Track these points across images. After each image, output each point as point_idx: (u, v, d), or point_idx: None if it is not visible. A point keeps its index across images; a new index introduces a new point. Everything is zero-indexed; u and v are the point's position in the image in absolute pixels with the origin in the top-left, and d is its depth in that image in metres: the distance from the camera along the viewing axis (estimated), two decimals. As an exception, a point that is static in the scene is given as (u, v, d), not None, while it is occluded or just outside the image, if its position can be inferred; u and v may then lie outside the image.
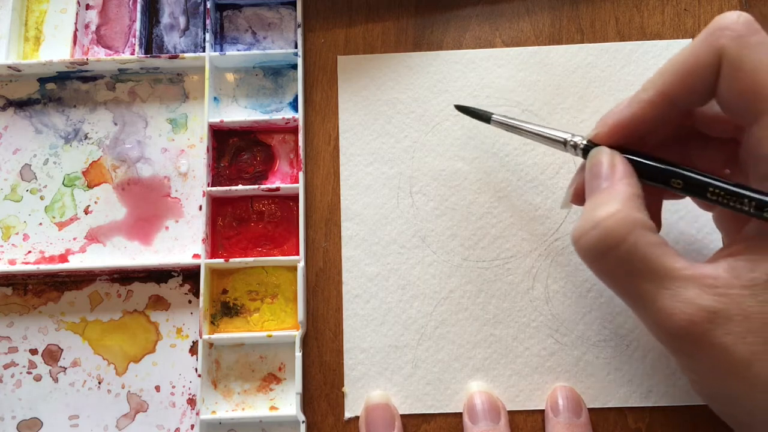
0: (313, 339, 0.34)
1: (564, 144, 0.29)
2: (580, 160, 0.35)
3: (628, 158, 0.27)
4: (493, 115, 0.32)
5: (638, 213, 0.25)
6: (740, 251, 0.24)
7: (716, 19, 0.25)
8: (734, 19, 0.24)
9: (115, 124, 0.37)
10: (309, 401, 0.33)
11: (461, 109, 0.34)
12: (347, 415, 0.33)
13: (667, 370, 0.32)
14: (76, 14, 0.38)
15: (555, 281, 0.34)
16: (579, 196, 0.29)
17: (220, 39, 0.38)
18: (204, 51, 0.37)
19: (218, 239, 0.35)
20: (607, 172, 0.26)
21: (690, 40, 0.37)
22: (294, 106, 0.37)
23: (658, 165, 0.26)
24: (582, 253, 0.26)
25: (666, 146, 0.28)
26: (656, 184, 0.26)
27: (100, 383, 0.34)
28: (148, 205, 0.36)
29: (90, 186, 0.36)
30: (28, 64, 0.36)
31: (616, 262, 0.25)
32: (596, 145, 0.28)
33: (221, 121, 0.36)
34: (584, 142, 0.28)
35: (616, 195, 0.25)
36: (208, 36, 0.37)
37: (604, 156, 0.27)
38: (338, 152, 0.36)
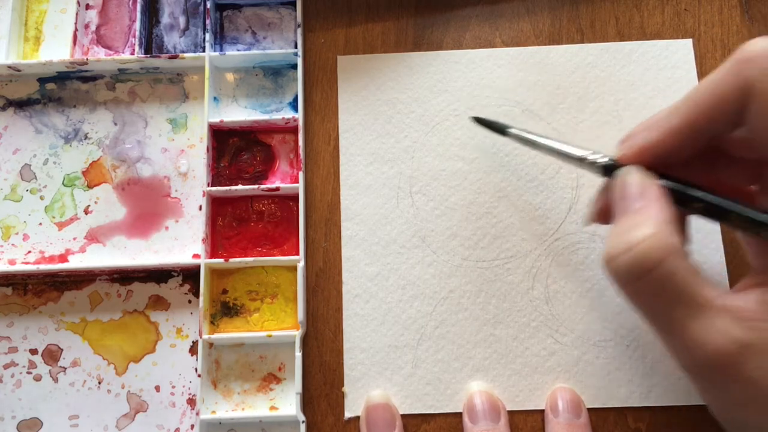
0: (313, 339, 0.34)
1: (581, 161, 0.29)
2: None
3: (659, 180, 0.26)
4: (509, 129, 0.32)
5: (674, 237, 0.24)
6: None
7: (742, 48, 0.24)
8: (762, 49, 0.24)
9: (115, 124, 0.37)
10: (309, 401, 0.33)
11: (478, 121, 0.34)
12: (347, 415, 0.33)
13: (667, 370, 0.32)
14: (76, 14, 0.38)
15: (555, 281, 0.34)
16: (603, 215, 0.29)
17: (220, 39, 0.38)
18: (204, 51, 0.37)
19: (218, 239, 0.35)
20: (640, 193, 0.25)
21: (690, 40, 0.37)
22: (294, 106, 0.37)
23: (684, 190, 0.26)
24: (614, 276, 0.25)
25: (690, 163, 0.27)
26: (679, 206, 0.26)
27: (100, 383, 0.34)
28: (148, 205, 0.36)
29: (90, 186, 0.36)
30: (28, 64, 0.36)
31: (650, 287, 0.24)
32: (617, 164, 0.27)
33: (221, 121, 0.36)
34: (605, 161, 0.28)
35: (651, 217, 0.24)
36: (208, 36, 0.37)
37: (636, 176, 0.26)
38: (338, 152, 0.36)
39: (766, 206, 0.25)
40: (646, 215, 0.25)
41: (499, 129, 0.33)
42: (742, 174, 0.28)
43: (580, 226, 0.34)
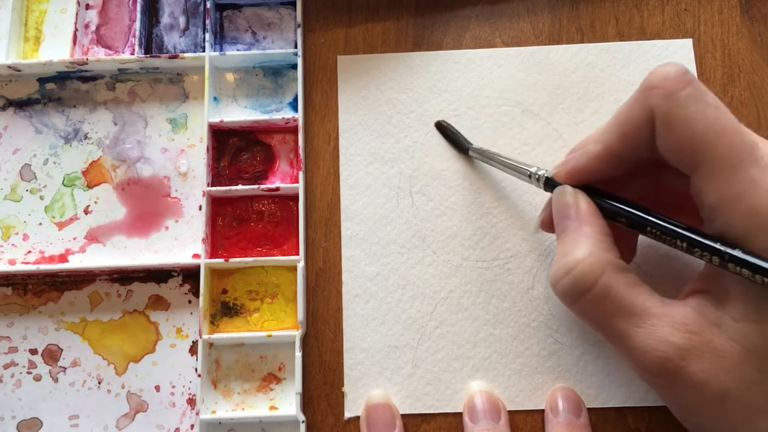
0: (313, 339, 0.34)
1: (529, 177, 0.30)
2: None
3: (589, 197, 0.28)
4: (470, 147, 0.34)
5: (608, 254, 0.26)
6: (704, 288, 0.25)
7: (649, 75, 0.25)
8: (664, 75, 0.25)
9: (115, 124, 0.37)
10: (309, 401, 0.33)
11: (441, 128, 0.36)
12: (347, 415, 0.33)
13: (667, 370, 0.32)
14: (76, 14, 0.38)
15: (555, 281, 0.34)
16: (547, 225, 0.30)
17: (220, 39, 0.38)
18: (204, 51, 0.37)
19: (218, 239, 0.35)
20: (573, 212, 0.27)
21: (690, 40, 0.37)
22: (294, 106, 0.37)
23: (606, 205, 0.27)
24: (560, 297, 0.27)
25: (635, 170, 0.28)
26: (608, 220, 0.27)
27: (100, 383, 0.34)
28: (148, 205, 0.36)
29: (90, 186, 0.36)
30: (28, 64, 0.36)
31: (591, 304, 0.26)
32: (556, 182, 0.29)
33: (221, 121, 0.36)
34: (546, 175, 0.29)
35: (585, 238, 0.26)
36: (208, 36, 0.37)
37: (568, 195, 0.28)
38: (338, 152, 0.36)
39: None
40: (581, 236, 0.26)
41: (460, 146, 0.35)
42: (680, 178, 0.28)
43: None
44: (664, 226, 0.25)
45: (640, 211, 0.26)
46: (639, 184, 0.29)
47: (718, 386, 0.23)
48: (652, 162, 0.27)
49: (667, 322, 0.24)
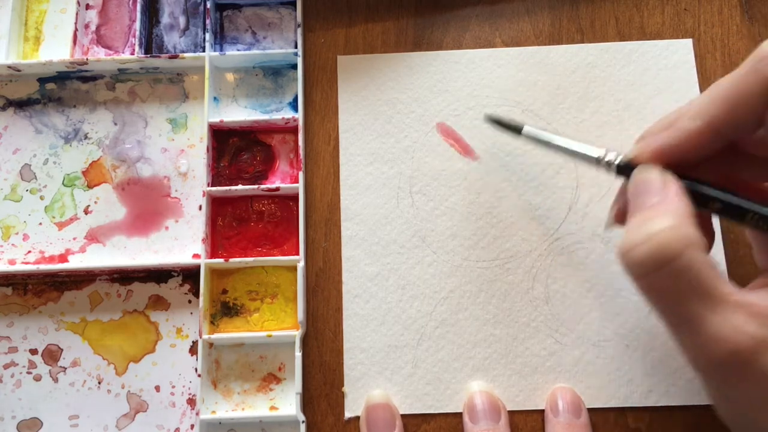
0: (313, 339, 0.34)
1: (597, 161, 0.28)
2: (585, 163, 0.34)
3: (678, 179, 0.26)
4: (524, 127, 0.32)
5: (693, 230, 0.23)
6: None
7: (762, 46, 0.24)
8: None
9: (115, 124, 0.37)
10: (309, 401, 0.33)
11: (492, 120, 0.34)
12: (347, 415, 0.33)
13: (667, 370, 0.32)
14: (76, 14, 0.38)
15: (555, 281, 0.34)
16: (623, 216, 0.28)
17: (220, 39, 0.38)
18: (204, 51, 0.37)
19: (218, 239, 0.35)
20: (659, 189, 0.25)
21: (690, 40, 0.37)
22: (294, 106, 0.37)
23: (702, 190, 0.26)
24: (631, 267, 0.24)
25: (707, 161, 0.27)
26: (696, 206, 0.26)
27: (100, 383, 0.33)
28: (148, 205, 0.36)
29: (90, 186, 0.36)
30: (28, 64, 0.36)
31: (667, 279, 0.23)
32: (633, 164, 0.27)
33: (221, 121, 0.36)
34: (620, 160, 0.28)
35: (671, 210, 0.24)
36: (208, 36, 0.37)
37: (655, 174, 0.26)
38: (338, 152, 0.36)
39: None
40: (664, 208, 0.24)
41: (513, 128, 0.32)
42: (758, 172, 0.27)
43: (580, 225, 0.34)
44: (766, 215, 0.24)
45: (740, 197, 0.25)
46: (705, 174, 0.27)
47: None
48: (730, 150, 0.26)
49: (746, 311, 0.23)
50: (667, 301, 0.24)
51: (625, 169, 0.27)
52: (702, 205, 0.25)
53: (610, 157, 0.28)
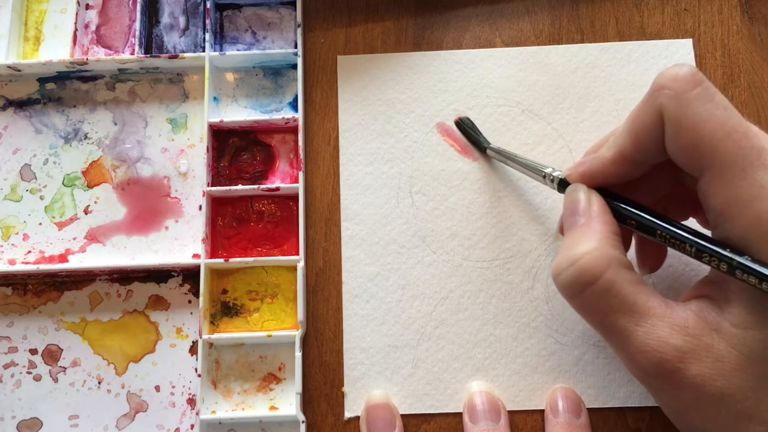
0: (313, 339, 0.34)
1: (544, 177, 0.30)
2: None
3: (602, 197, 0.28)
4: (489, 146, 0.34)
5: (614, 251, 0.25)
6: (708, 293, 0.25)
7: (659, 75, 0.25)
8: (673, 75, 0.25)
9: (115, 124, 0.37)
10: (309, 401, 0.33)
11: (460, 126, 0.36)
12: (347, 415, 0.33)
13: (667, 370, 0.32)
14: (76, 14, 0.38)
15: (555, 281, 0.34)
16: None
17: (220, 39, 0.38)
18: (204, 51, 0.37)
19: (218, 239, 0.35)
20: (584, 209, 0.27)
21: (690, 40, 0.37)
22: (294, 106, 0.37)
23: (617, 207, 0.27)
24: (560, 290, 0.26)
25: (652, 172, 0.28)
26: (619, 222, 0.27)
27: (100, 383, 0.34)
28: (148, 205, 0.36)
29: (90, 186, 0.36)
30: (28, 64, 0.36)
31: (593, 299, 0.25)
32: (569, 184, 0.29)
33: (221, 121, 0.36)
34: (560, 176, 0.29)
35: (593, 233, 0.26)
36: (207, 36, 0.37)
37: (582, 193, 0.28)
38: (338, 152, 0.36)
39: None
40: (588, 230, 0.26)
41: (478, 144, 0.35)
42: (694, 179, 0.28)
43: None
44: (674, 231, 0.25)
45: (650, 215, 0.26)
46: (654, 185, 0.29)
47: (715, 390, 0.23)
48: (667, 164, 0.27)
49: (668, 324, 0.24)
50: (596, 318, 0.26)
51: (563, 185, 0.29)
52: (622, 221, 0.27)
53: (553, 174, 0.30)
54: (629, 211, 0.27)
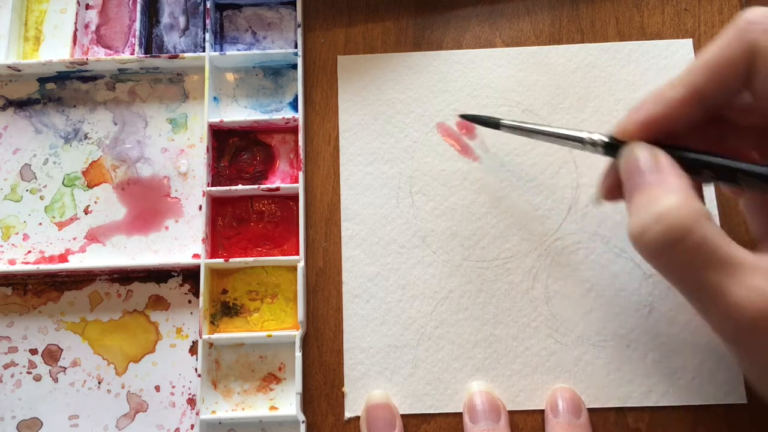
0: (313, 339, 0.34)
1: (581, 143, 0.29)
2: (581, 159, 0.35)
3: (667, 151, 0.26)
4: (501, 121, 0.32)
5: (699, 203, 0.24)
6: None
7: (743, 14, 0.24)
8: (764, 12, 0.24)
9: (115, 124, 0.37)
10: (309, 401, 0.33)
11: (468, 117, 0.34)
12: (347, 415, 0.33)
13: (667, 370, 0.32)
14: (76, 14, 0.38)
15: (555, 281, 0.34)
16: (612, 192, 0.29)
17: (220, 39, 0.38)
18: (204, 51, 0.37)
19: (218, 239, 0.35)
20: (652, 167, 0.25)
21: (690, 40, 0.37)
22: (294, 106, 0.37)
23: (692, 156, 0.26)
24: (645, 249, 0.25)
25: (691, 134, 0.27)
26: (689, 175, 0.26)
27: (100, 383, 0.34)
28: (148, 205, 0.36)
29: (90, 186, 0.36)
30: (28, 64, 0.36)
31: (684, 255, 0.24)
32: (619, 141, 0.27)
33: (221, 121, 0.36)
34: (605, 139, 0.28)
35: (673, 187, 0.24)
36: (208, 36, 0.37)
37: (645, 151, 0.26)
38: (338, 152, 0.36)
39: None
40: (666, 186, 0.25)
41: (491, 124, 0.32)
42: (743, 141, 0.28)
43: (580, 225, 0.34)
44: (760, 171, 0.24)
45: (727, 160, 0.25)
46: (693, 144, 0.27)
47: None
48: (711, 119, 0.26)
49: (763, 273, 0.23)
50: (686, 276, 0.24)
51: (611, 147, 0.27)
52: (694, 173, 0.26)
53: (594, 137, 0.28)
54: (706, 158, 0.25)
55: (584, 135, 0.28)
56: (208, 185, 0.35)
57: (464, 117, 0.34)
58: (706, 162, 0.25)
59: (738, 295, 0.23)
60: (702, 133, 0.27)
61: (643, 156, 0.26)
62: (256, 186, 0.35)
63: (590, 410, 0.32)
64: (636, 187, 0.26)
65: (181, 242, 0.35)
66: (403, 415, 0.32)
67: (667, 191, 0.24)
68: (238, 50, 0.38)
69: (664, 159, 0.26)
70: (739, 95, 0.25)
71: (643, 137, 0.26)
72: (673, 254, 0.24)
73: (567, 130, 0.29)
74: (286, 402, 0.33)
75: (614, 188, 0.28)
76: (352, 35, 0.38)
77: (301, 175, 0.35)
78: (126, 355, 0.34)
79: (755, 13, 0.24)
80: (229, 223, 0.35)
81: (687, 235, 0.23)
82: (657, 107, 0.26)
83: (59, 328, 0.34)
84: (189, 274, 0.35)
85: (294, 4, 0.38)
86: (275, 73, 0.37)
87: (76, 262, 0.35)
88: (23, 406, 0.33)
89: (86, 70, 0.37)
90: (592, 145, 0.28)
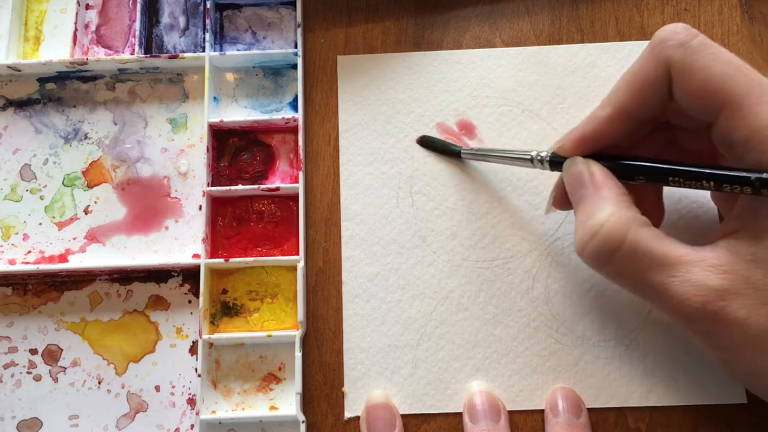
0: (313, 339, 0.34)
1: (531, 161, 0.30)
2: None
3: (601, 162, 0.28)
4: (461, 150, 0.34)
5: (630, 211, 0.26)
6: (736, 228, 0.25)
7: (657, 32, 0.26)
8: (673, 29, 0.26)
9: (115, 124, 0.37)
10: (309, 401, 0.33)
11: (424, 144, 0.36)
12: (347, 415, 0.33)
13: (667, 370, 0.32)
14: (76, 14, 0.38)
15: (555, 281, 0.34)
16: (561, 202, 0.31)
17: (220, 39, 0.38)
18: (204, 51, 0.37)
19: (218, 239, 0.35)
20: (588, 180, 0.27)
21: (690, 40, 0.37)
22: (294, 106, 0.37)
23: (620, 162, 0.27)
24: (589, 262, 0.27)
25: (643, 140, 0.29)
26: (625, 180, 0.27)
27: (100, 383, 0.34)
28: (148, 205, 0.36)
29: (90, 186, 0.36)
30: (28, 64, 0.36)
31: (623, 263, 0.26)
32: (561, 158, 0.29)
33: (221, 121, 0.36)
34: (549, 155, 0.29)
35: (604, 199, 0.26)
36: (208, 36, 0.37)
37: (580, 165, 0.28)
38: (338, 152, 0.36)
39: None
40: (600, 198, 0.26)
41: (449, 152, 0.35)
42: (696, 141, 0.29)
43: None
44: (688, 171, 0.25)
45: (657, 164, 0.26)
46: (645, 149, 0.29)
47: (762, 320, 0.23)
48: (659, 124, 0.27)
49: (701, 267, 0.24)
50: (630, 281, 0.26)
51: (556, 163, 0.29)
52: (629, 179, 0.27)
53: (542, 154, 0.30)
54: (635, 165, 0.27)
55: (532, 153, 0.30)
56: (208, 185, 0.35)
57: (422, 143, 0.36)
58: (637, 167, 0.27)
59: (680, 291, 0.25)
60: (652, 140, 0.29)
61: (580, 169, 0.28)
62: (256, 186, 0.35)
63: (590, 410, 0.32)
64: (576, 200, 0.28)
65: (181, 242, 0.35)
66: (403, 415, 0.32)
67: (600, 204, 0.26)
68: (238, 50, 0.38)
69: (598, 172, 0.27)
70: (663, 110, 0.27)
71: (579, 153, 0.28)
72: (613, 264, 0.26)
73: (515, 152, 0.31)
74: (286, 402, 0.33)
75: (563, 199, 0.30)
76: (352, 35, 0.38)
77: (301, 175, 0.35)
78: (126, 355, 0.34)
79: (667, 29, 0.26)
80: (229, 223, 0.35)
81: (621, 244, 0.25)
82: (588, 126, 0.28)
83: (59, 328, 0.34)
84: (189, 274, 0.35)
85: (294, 4, 0.38)
86: (275, 73, 0.37)
87: (76, 262, 0.35)
88: (23, 406, 0.33)
89: (86, 70, 0.37)
90: (540, 162, 0.30)
